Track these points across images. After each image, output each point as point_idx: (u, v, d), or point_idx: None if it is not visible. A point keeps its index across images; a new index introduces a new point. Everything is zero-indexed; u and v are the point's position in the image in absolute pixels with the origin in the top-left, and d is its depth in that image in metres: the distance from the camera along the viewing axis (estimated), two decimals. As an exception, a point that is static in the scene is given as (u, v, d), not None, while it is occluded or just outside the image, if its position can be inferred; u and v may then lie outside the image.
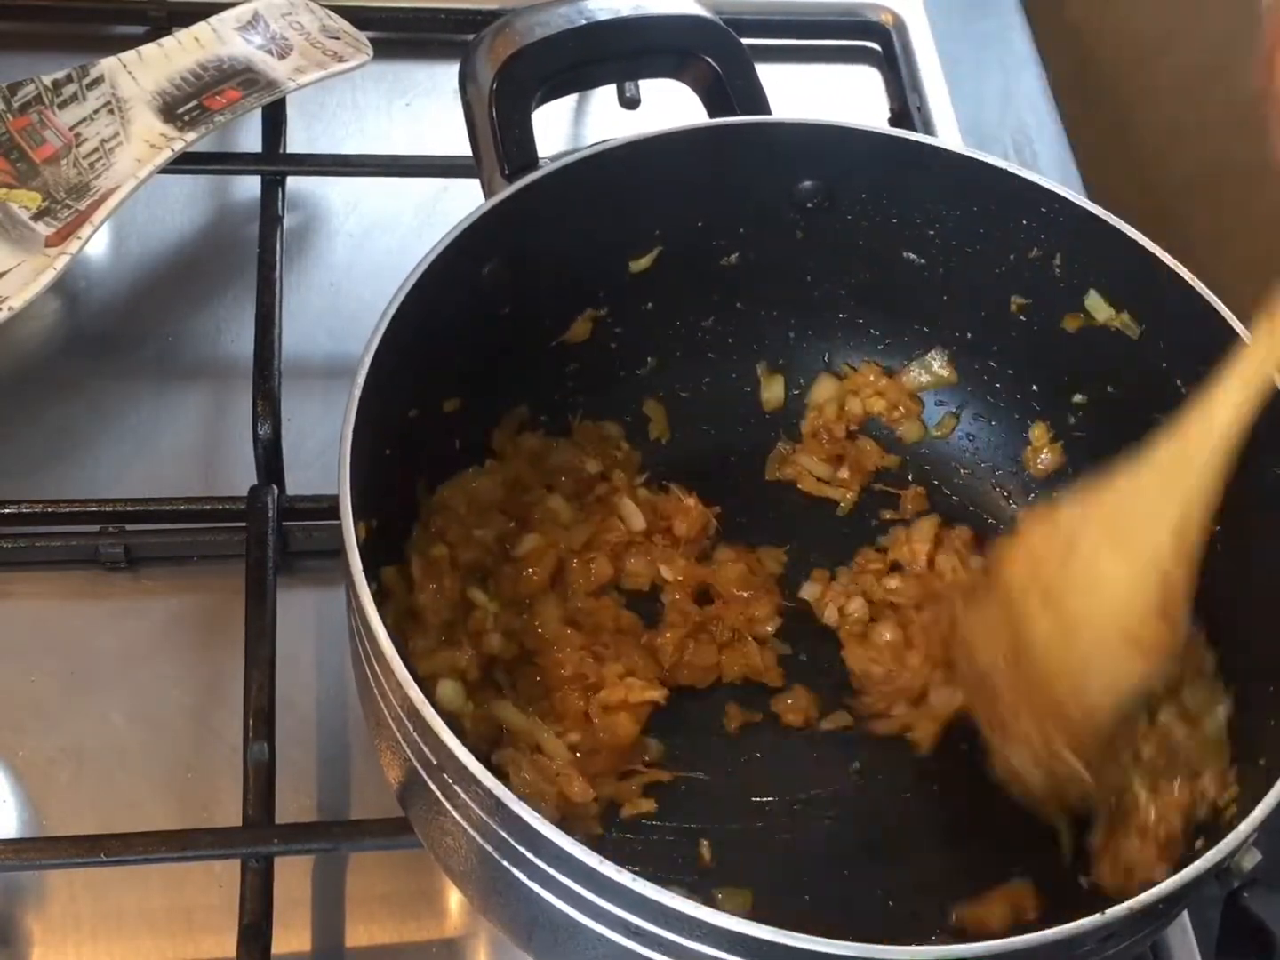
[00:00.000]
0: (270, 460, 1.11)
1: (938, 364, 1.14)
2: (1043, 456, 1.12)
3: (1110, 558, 0.89)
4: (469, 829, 0.79)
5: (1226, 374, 0.84)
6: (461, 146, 1.06)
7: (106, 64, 1.23)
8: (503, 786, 0.74)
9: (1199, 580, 0.98)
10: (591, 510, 1.08)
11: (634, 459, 1.13)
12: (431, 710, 0.77)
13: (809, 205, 1.08)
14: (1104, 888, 0.92)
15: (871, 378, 1.15)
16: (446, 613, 0.98)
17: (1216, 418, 0.85)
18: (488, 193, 1.02)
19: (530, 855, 0.76)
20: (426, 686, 0.90)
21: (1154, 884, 0.88)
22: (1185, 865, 0.78)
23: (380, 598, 0.93)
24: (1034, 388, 1.11)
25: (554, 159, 1.00)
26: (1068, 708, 0.91)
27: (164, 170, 1.18)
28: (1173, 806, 0.94)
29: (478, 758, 0.76)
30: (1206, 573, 1.00)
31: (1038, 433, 1.12)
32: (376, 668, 0.81)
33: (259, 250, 1.20)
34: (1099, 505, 0.91)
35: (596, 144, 1.01)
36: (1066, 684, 0.91)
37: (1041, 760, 0.93)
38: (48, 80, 1.22)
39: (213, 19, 1.27)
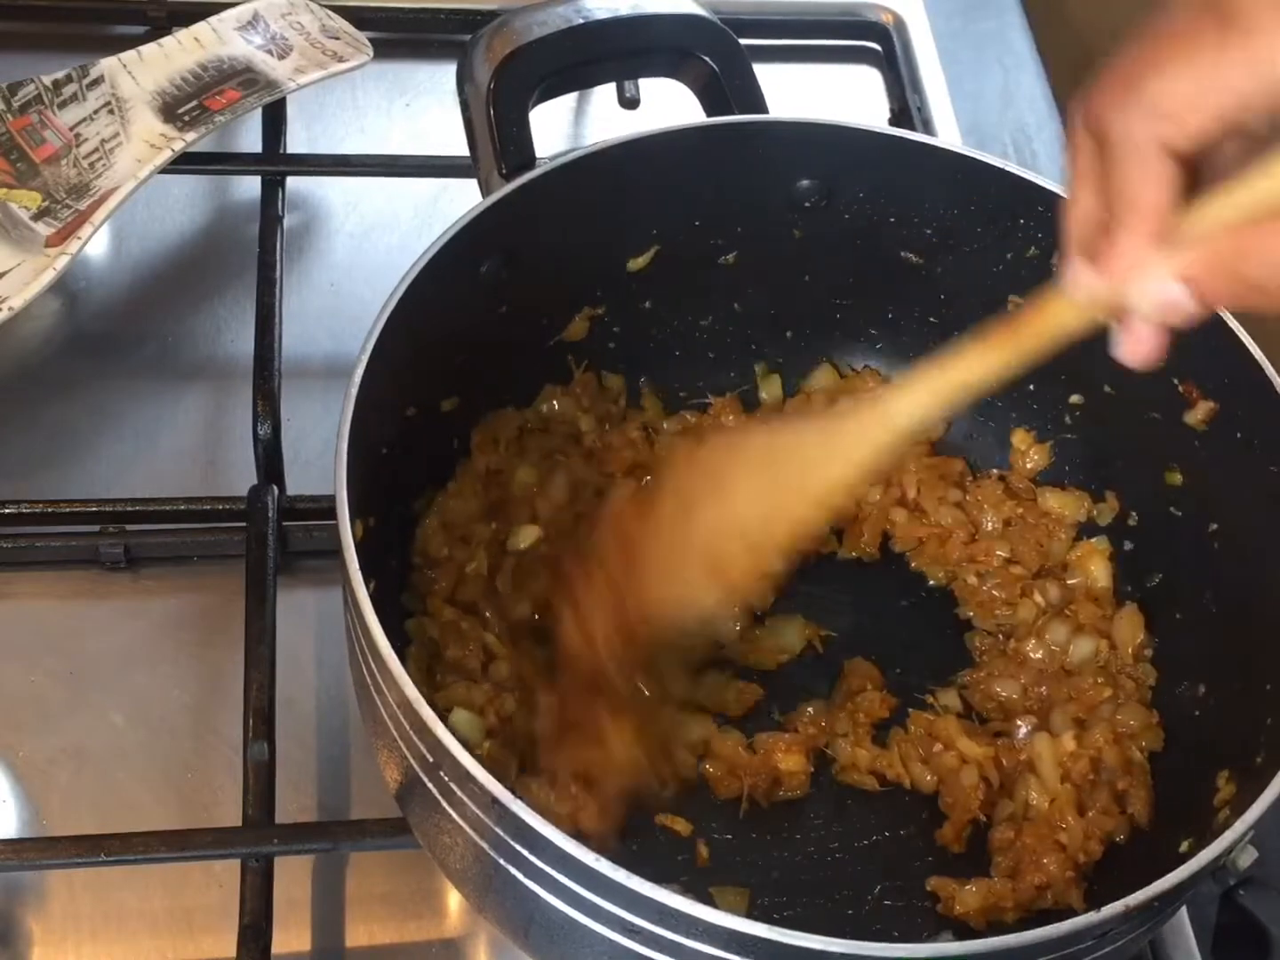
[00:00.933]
0: (270, 460, 1.11)
1: None
2: (1030, 457, 1.12)
3: (748, 487, 0.92)
4: (465, 827, 0.79)
5: (922, 378, 0.83)
6: (461, 146, 1.06)
7: (106, 64, 1.23)
8: (498, 784, 0.74)
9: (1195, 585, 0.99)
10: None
11: (628, 415, 1.13)
12: (428, 708, 0.76)
13: (806, 204, 1.08)
14: (997, 892, 0.94)
15: (871, 384, 1.15)
16: (475, 661, 0.99)
17: (899, 415, 0.84)
18: (485, 191, 1.02)
19: (526, 853, 0.76)
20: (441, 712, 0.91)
21: (1070, 907, 0.92)
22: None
23: (405, 644, 0.97)
24: (1030, 387, 1.11)
25: (552, 158, 1.00)
26: (640, 599, 0.94)
27: (164, 170, 1.18)
28: (1096, 831, 0.95)
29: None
30: (1206, 569, 1.01)
31: (1018, 438, 1.13)
32: (373, 665, 0.81)
33: (259, 250, 1.20)
34: (763, 442, 0.94)
35: (594, 143, 1.01)
36: (654, 576, 0.94)
37: (590, 633, 0.95)
38: (48, 80, 1.22)
39: (213, 19, 1.27)
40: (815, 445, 0.90)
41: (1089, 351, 1.04)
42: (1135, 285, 0.71)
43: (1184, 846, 0.86)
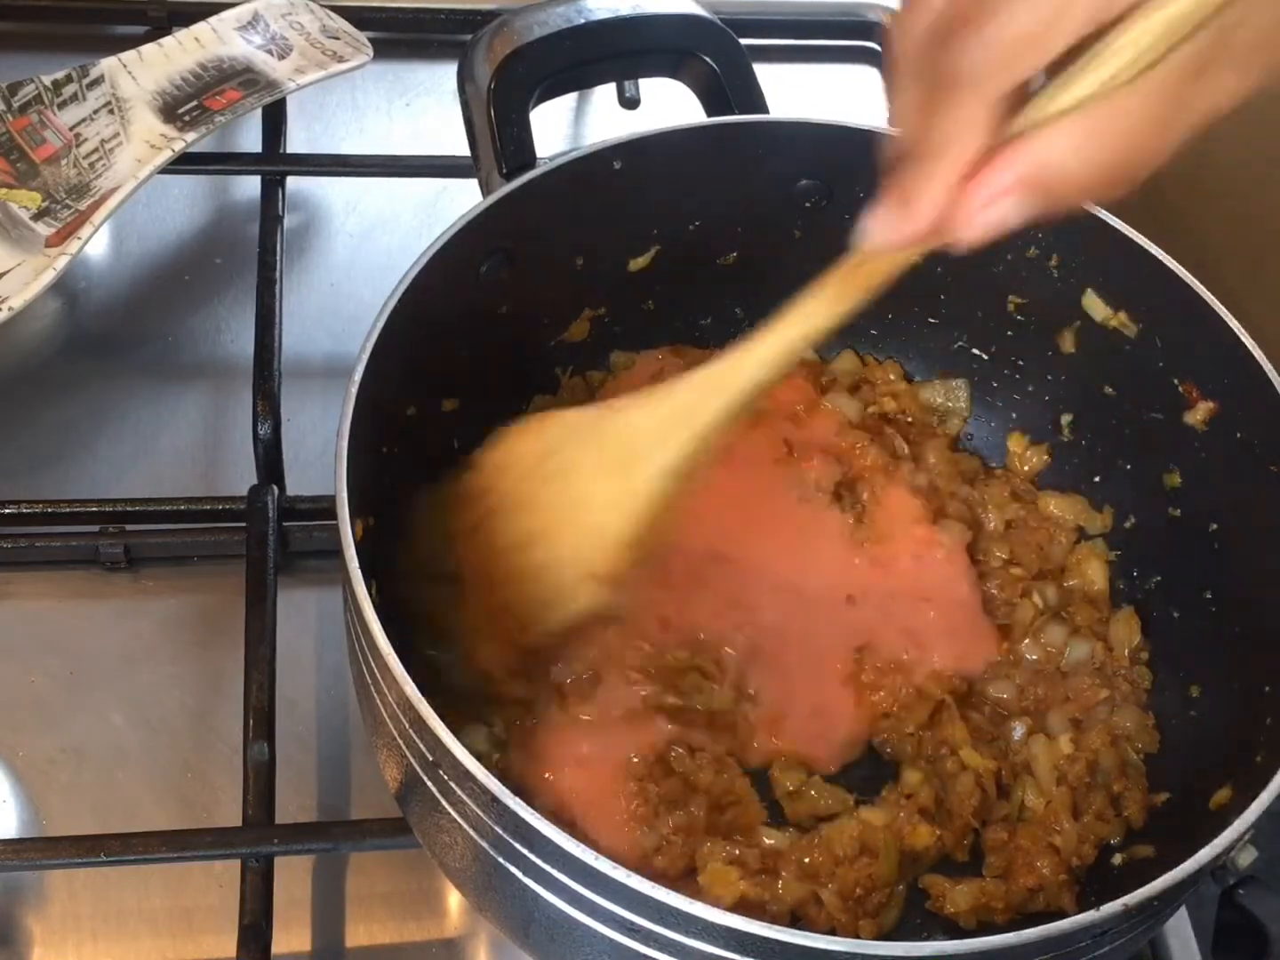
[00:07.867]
0: (270, 460, 1.11)
1: (962, 394, 1.14)
2: (1028, 458, 1.12)
3: (594, 477, 0.88)
4: (465, 826, 0.79)
5: (758, 342, 0.82)
6: (461, 146, 1.06)
7: (106, 64, 1.23)
8: (498, 783, 0.74)
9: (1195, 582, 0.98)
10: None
11: None
12: (427, 707, 0.76)
13: (807, 205, 1.08)
14: (990, 893, 0.94)
15: (891, 377, 1.15)
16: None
17: (740, 376, 0.83)
18: (486, 191, 1.02)
19: (526, 852, 0.76)
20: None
21: (1062, 909, 0.92)
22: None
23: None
24: (1029, 388, 1.11)
25: (552, 158, 1.00)
26: (512, 611, 0.91)
27: (164, 170, 1.18)
28: (1091, 835, 0.95)
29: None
30: (1206, 570, 1.01)
31: (1015, 442, 1.13)
32: (373, 664, 0.81)
33: (259, 250, 1.20)
34: (594, 424, 0.90)
35: (594, 143, 1.01)
36: (513, 590, 0.91)
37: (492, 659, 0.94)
38: (48, 80, 1.22)
39: (213, 19, 1.27)
40: (650, 419, 0.86)
41: (1088, 354, 1.06)
42: (958, 217, 0.71)
43: (1181, 846, 0.85)
